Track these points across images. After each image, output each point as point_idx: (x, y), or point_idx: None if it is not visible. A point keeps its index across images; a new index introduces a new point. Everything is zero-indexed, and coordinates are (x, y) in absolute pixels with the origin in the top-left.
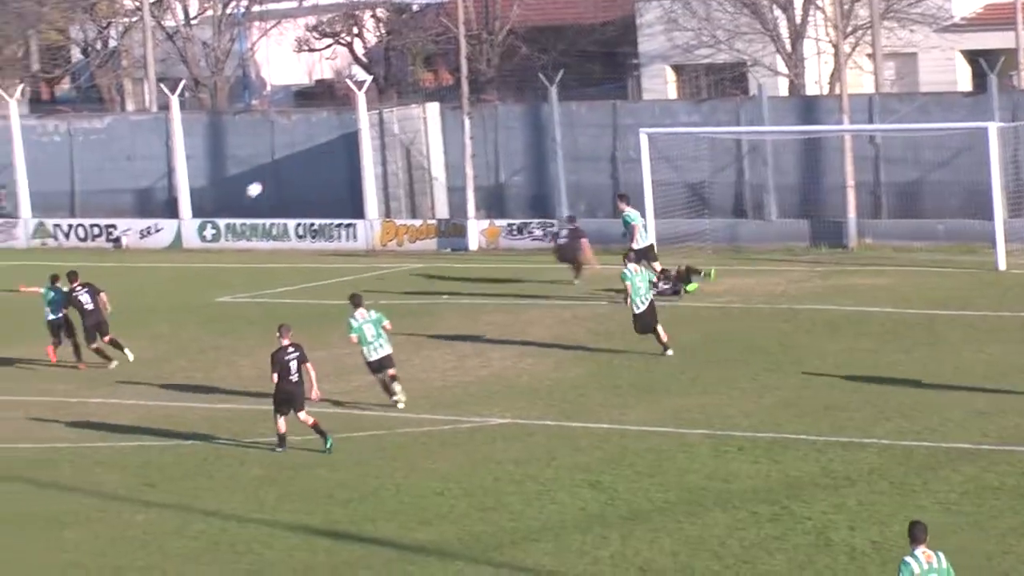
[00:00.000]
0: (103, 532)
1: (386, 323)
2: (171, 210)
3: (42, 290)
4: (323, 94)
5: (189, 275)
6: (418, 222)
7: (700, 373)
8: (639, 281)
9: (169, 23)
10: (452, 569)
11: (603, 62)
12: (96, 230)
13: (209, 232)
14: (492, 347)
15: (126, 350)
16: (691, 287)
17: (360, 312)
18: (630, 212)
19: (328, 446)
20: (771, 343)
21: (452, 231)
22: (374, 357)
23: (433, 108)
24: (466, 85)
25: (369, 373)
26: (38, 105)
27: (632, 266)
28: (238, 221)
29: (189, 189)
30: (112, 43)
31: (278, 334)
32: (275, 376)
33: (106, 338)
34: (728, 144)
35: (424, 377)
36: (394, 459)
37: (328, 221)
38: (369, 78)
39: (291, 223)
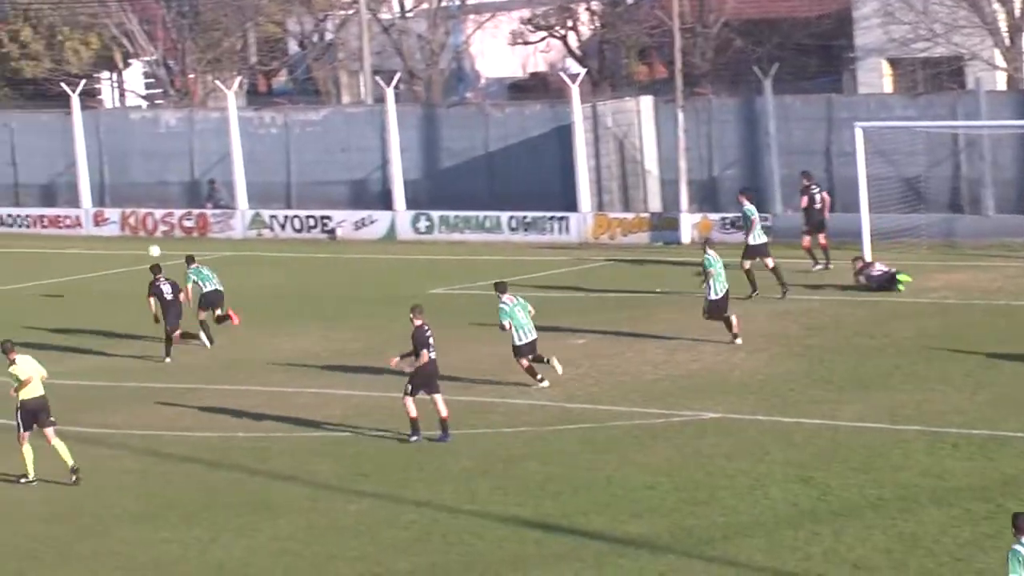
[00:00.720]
0: (316, 521)
1: (531, 308)
2: (385, 202)
3: (191, 274)
4: (537, 87)
5: (402, 267)
6: (630, 215)
7: (914, 368)
8: (720, 267)
9: (385, 16)
10: (662, 563)
11: (818, 56)
12: (311, 221)
13: (423, 224)
14: (703, 341)
15: (168, 359)
16: (903, 278)
17: (508, 297)
18: (750, 207)
19: (445, 439)
20: (987, 339)
21: (664, 224)
22: (524, 340)
23: (647, 101)
24: (680, 78)
25: (516, 357)
26: (255, 97)
27: (712, 252)
28: (452, 213)
29: (404, 181)
30: (328, 36)
31: (412, 315)
32: (426, 354)
33: (176, 333)
34: (944, 139)
35: (635, 371)
36: (605, 452)
37: (541, 214)
38: (583, 71)
39: (504, 216)
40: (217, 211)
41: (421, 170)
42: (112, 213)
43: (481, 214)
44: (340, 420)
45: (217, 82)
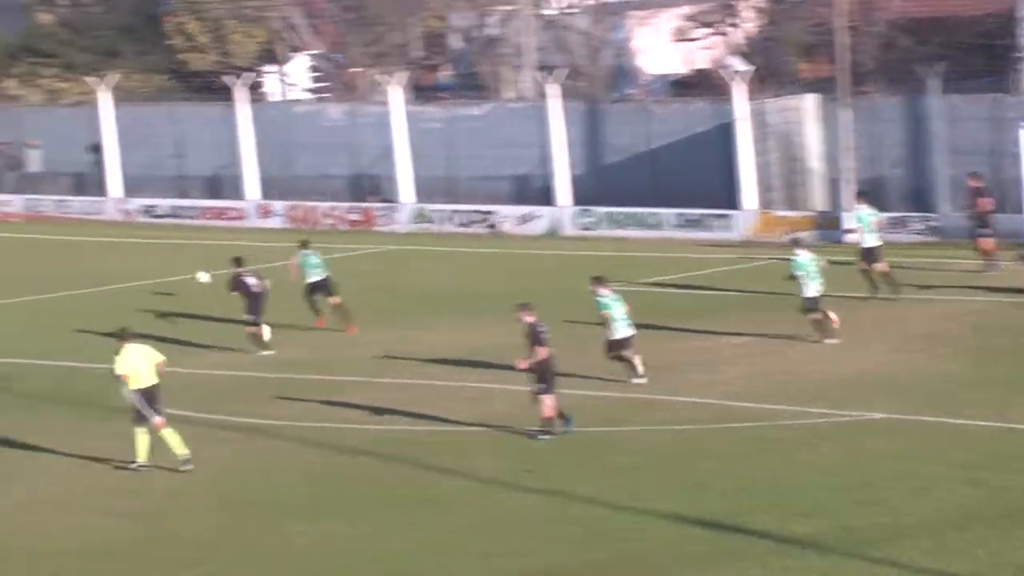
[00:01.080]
0: (481, 516)
1: (627, 306)
2: (548, 197)
3: (298, 260)
4: (700, 84)
5: (564, 263)
6: (794, 213)
7: None
8: (814, 267)
9: (548, 11)
10: (827, 563)
11: (983, 54)
12: (474, 216)
13: (585, 220)
14: (870, 341)
15: (265, 350)
16: None
17: (605, 291)
18: (864, 211)
19: (539, 437)
20: None
21: (829, 223)
22: (620, 336)
23: (811, 99)
24: (845, 76)
25: (608, 351)
26: (419, 92)
27: (803, 252)
28: (615, 209)
29: (567, 177)
30: (492, 31)
31: (521, 313)
32: (543, 349)
33: (250, 329)
34: None
35: (800, 370)
36: (770, 451)
37: (704, 211)
38: (746, 68)
39: (667, 212)
40: (381, 205)
41: (584, 166)
42: (277, 206)
43: (644, 210)
44: (505, 415)
45: (381, 76)
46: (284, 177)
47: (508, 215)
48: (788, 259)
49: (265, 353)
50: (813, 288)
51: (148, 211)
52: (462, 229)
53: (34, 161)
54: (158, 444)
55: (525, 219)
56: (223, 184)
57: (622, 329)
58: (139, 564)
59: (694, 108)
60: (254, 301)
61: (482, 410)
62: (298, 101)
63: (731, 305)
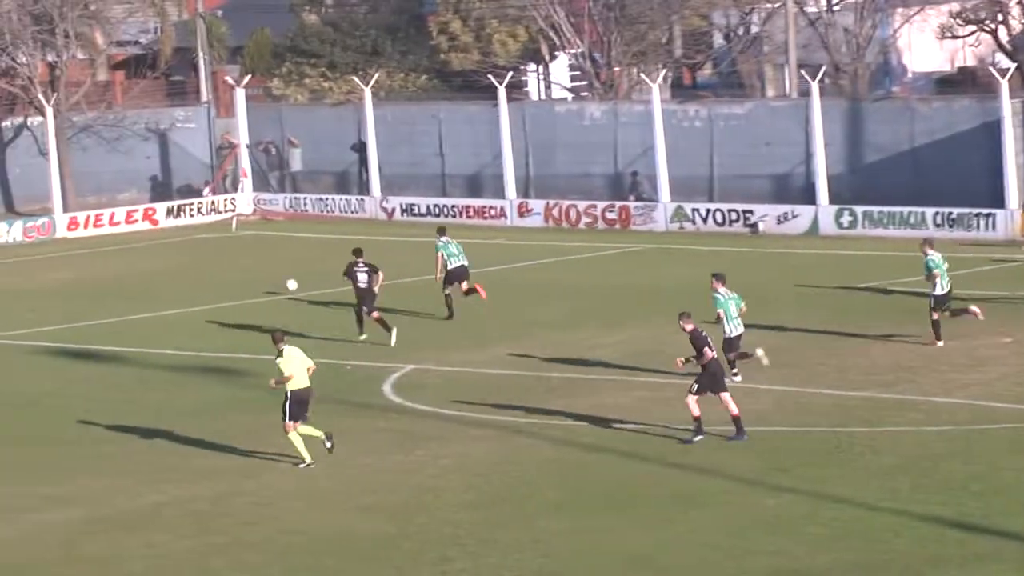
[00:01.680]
0: (733, 515)
1: (743, 306)
2: (808, 196)
3: (439, 246)
4: (964, 81)
5: (823, 262)
6: None
7: None
8: (944, 266)
9: (811, 9)
10: None
11: None
12: (733, 215)
13: (846, 219)
14: None
15: (392, 332)
16: None
17: (724, 289)
18: (933, 257)
19: (741, 437)
20: None
21: None
22: (734, 334)
23: None
24: None
25: (724, 351)
26: (679, 90)
27: (934, 252)
28: (875, 209)
29: (827, 176)
30: (754, 29)
31: (681, 322)
32: (709, 352)
33: (374, 315)
34: None
35: None
36: None
37: (967, 210)
38: (1014, 66)
39: (929, 211)
40: (639, 204)
41: (844, 165)
42: (536, 204)
43: (905, 210)
44: (760, 414)
45: (642, 75)
46: (543, 176)
47: (767, 214)
48: None
49: (362, 338)
50: (943, 285)
51: (408, 210)
52: (720, 228)
53: (296, 160)
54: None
55: (784, 218)
56: (483, 183)
57: (735, 328)
58: (390, 560)
59: (958, 106)
60: (363, 294)
61: (738, 408)
62: (559, 100)
63: (996, 304)
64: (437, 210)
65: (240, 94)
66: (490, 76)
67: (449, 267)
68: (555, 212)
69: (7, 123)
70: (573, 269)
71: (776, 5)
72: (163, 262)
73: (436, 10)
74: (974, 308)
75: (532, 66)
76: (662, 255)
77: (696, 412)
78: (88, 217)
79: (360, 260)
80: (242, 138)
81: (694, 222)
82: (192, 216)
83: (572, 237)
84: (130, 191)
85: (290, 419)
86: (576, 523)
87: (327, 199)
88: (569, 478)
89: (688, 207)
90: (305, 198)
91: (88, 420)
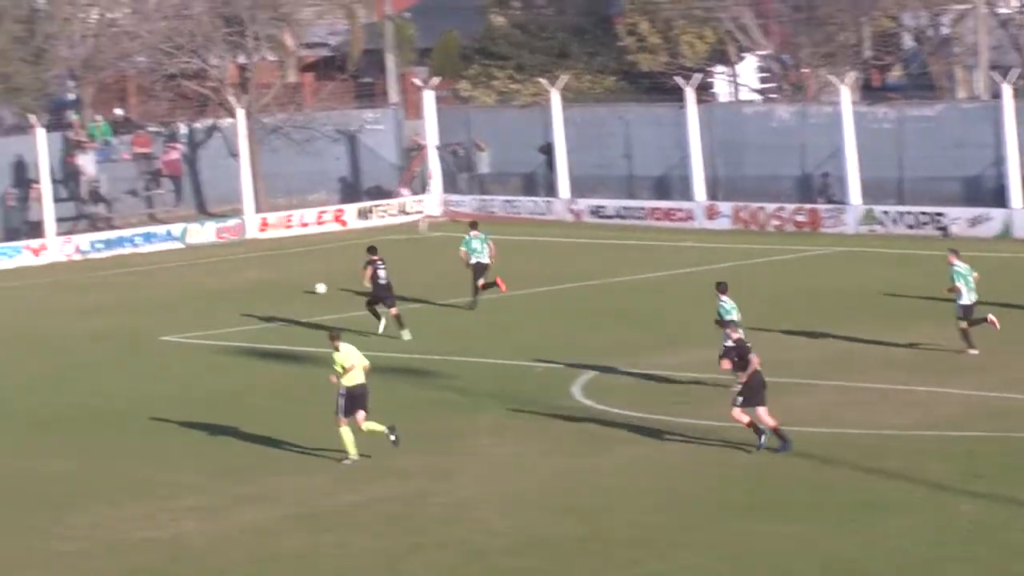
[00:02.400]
0: (928, 521)
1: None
2: (998, 199)
3: (465, 241)
4: None
5: (1016, 265)
6: None
7: None
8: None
9: (1003, 10)
10: None
11: None
12: (923, 218)
13: None
14: None
15: (404, 331)
16: None
17: (726, 298)
18: (959, 266)
19: (787, 447)
20: None
21: None
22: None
23: None
24: None
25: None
26: (868, 92)
27: (960, 263)
28: None
29: (1020, 178)
30: (945, 30)
31: (727, 331)
32: (756, 360)
33: (393, 310)
34: None
35: None
36: None
37: None
38: None
39: None
40: (829, 206)
41: None
42: (724, 207)
43: None
44: (954, 419)
45: (831, 76)
46: (732, 178)
47: (959, 217)
48: None
49: (380, 330)
50: (967, 297)
51: (596, 212)
52: (911, 231)
53: (484, 162)
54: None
55: (976, 221)
56: (671, 185)
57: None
58: (581, 561)
59: None
60: (378, 289)
61: (927, 414)
62: (747, 102)
63: None
64: (625, 212)
65: (428, 96)
66: (677, 78)
67: (470, 261)
68: (743, 214)
69: (198, 125)
70: (762, 272)
71: (967, 7)
72: (352, 263)
73: (624, 12)
74: (991, 317)
75: (720, 68)
76: (851, 258)
77: (745, 420)
78: (278, 218)
79: (377, 258)
80: (430, 140)
81: (884, 224)
82: (381, 218)
83: (760, 240)
84: (320, 192)
85: (343, 414)
86: (767, 527)
87: (515, 201)
88: (759, 482)
89: (878, 209)
90: (493, 200)
91: (279, 420)
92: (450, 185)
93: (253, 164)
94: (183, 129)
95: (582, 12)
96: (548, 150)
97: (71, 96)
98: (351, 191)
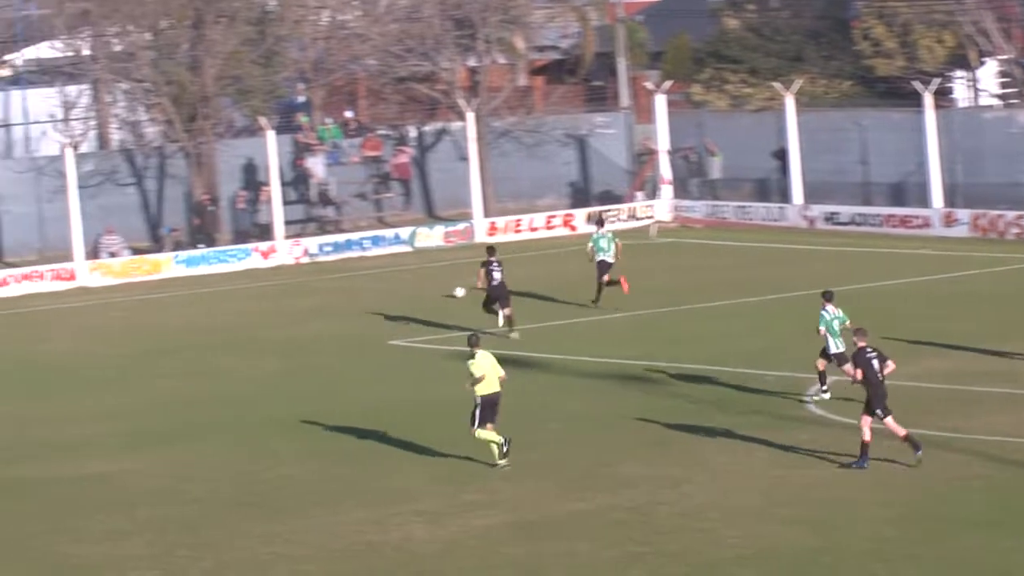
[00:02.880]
0: None
1: (847, 322)
2: None
3: (592, 239)
4: None
5: None
6: None
7: None
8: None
9: None
10: None
11: None
12: None
13: None
14: None
15: (513, 333)
16: None
17: (832, 307)
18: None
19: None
20: None
21: None
22: (838, 350)
23: None
24: None
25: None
26: None
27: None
28: None
29: None
30: None
31: (855, 339)
32: (860, 373)
33: (507, 310)
34: None
35: None
36: None
37: None
38: None
39: None
40: None
41: None
42: (962, 214)
43: None
44: None
45: None
46: (970, 185)
47: None
48: None
49: (514, 336)
50: (834, 345)
51: (830, 218)
52: None
53: (716, 167)
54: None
55: None
56: (907, 191)
57: (838, 346)
58: (814, 573)
59: None
60: (492, 289)
61: None
62: (986, 107)
63: None
64: (859, 219)
65: (660, 100)
66: (915, 82)
67: (597, 259)
68: (982, 222)
69: (428, 128)
70: (1002, 281)
71: None
72: (581, 268)
73: (860, 15)
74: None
75: (959, 72)
76: None
77: (868, 438)
78: (507, 222)
79: (493, 259)
80: (661, 144)
81: None
82: (612, 222)
83: (1000, 248)
84: (549, 197)
85: (479, 424)
86: (1005, 543)
87: (747, 207)
88: (996, 496)
89: None
90: (725, 205)
91: (507, 426)
92: (681, 190)
93: (482, 168)
94: (412, 132)
95: (818, 15)
96: (782, 155)
97: (301, 99)
98: (581, 195)
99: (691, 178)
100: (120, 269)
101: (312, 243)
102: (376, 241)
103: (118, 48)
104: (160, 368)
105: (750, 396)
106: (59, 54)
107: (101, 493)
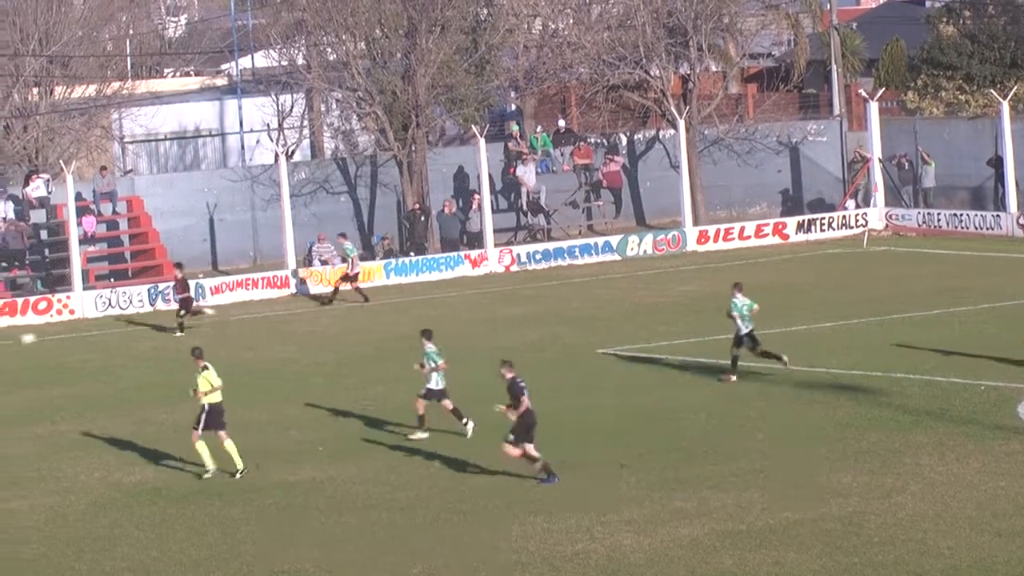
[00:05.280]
0: None
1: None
2: None
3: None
4: None
5: None
6: None
7: None
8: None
9: None
10: None
11: None
12: None
13: None
14: None
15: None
16: None
17: (740, 295)
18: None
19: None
20: None
21: None
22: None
23: None
24: None
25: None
26: None
27: (741, 296)
28: None
29: None
30: None
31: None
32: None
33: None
34: None
35: None
36: None
37: None
38: None
39: None
40: None
41: None
42: None
43: None
44: None
45: None
46: None
47: None
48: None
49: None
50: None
51: None
52: None
53: (929, 176)
54: None
55: None
56: None
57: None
58: None
59: None
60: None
61: None
62: None
63: None
64: None
65: (872, 107)
66: None
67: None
68: None
69: (639, 136)
70: None
71: None
72: (792, 277)
73: None
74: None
75: None
76: None
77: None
78: (718, 231)
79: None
80: (874, 152)
81: None
82: (823, 231)
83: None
84: (760, 205)
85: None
86: None
87: (961, 215)
88: None
89: None
90: (939, 214)
91: (715, 436)
92: (894, 199)
93: (693, 176)
94: (623, 140)
95: None
96: (997, 163)
97: (512, 107)
98: (792, 204)
99: (904, 186)
100: (331, 277)
101: (522, 251)
102: (586, 250)
103: (332, 57)
104: (369, 375)
105: (963, 405)
106: (273, 63)
107: (312, 499)
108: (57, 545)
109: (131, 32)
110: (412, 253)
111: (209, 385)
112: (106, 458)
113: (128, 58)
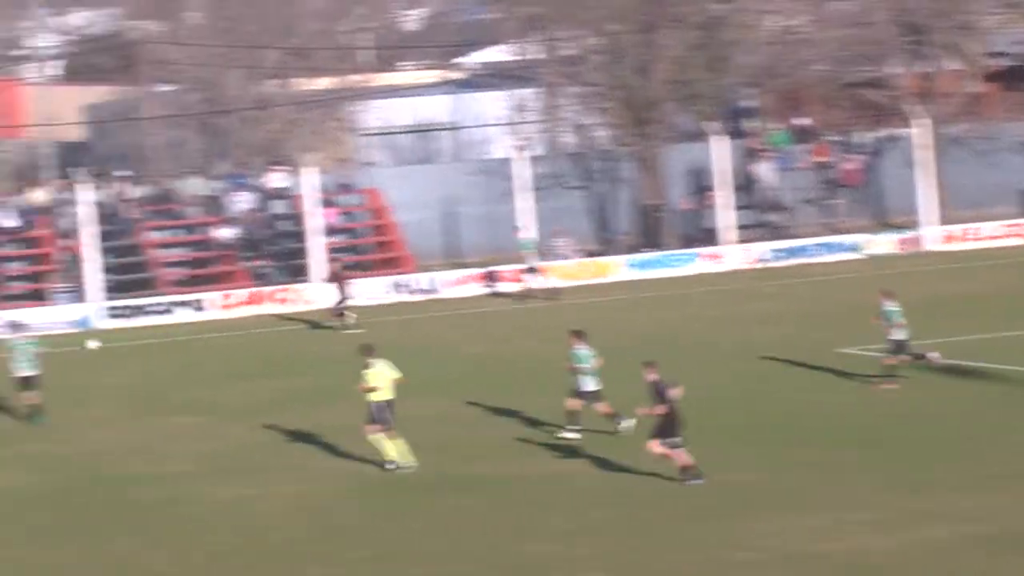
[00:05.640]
0: None
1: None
2: None
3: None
4: None
5: None
6: None
7: None
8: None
9: None
10: None
11: None
12: None
13: None
14: None
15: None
16: None
17: (581, 344)
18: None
19: None
20: None
21: None
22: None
23: None
24: None
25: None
26: None
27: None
28: None
29: None
30: None
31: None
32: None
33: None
34: None
35: None
36: None
37: None
38: None
39: None
40: None
41: None
42: None
43: None
44: None
45: None
46: None
47: None
48: None
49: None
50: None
51: None
52: None
53: None
54: None
55: None
56: None
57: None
58: None
59: None
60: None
61: None
62: None
63: None
64: None
65: None
66: None
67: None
68: None
69: (877, 134)
70: None
71: None
72: None
73: None
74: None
75: None
76: None
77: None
78: (960, 231)
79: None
80: None
81: None
82: None
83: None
84: (1001, 205)
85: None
86: None
87: None
88: None
89: None
90: None
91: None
92: None
93: (934, 175)
94: (861, 138)
95: None
96: None
97: (748, 104)
98: None
99: None
100: (570, 271)
101: (763, 248)
102: (826, 247)
103: (568, 52)
104: (606, 370)
105: None
106: (509, 57)
107: (557, 493)
108: (301, 532)
109: (368, 25)
110: (649, 248)
111: (376, 381)
112: (347, 448)
113: (366, 51)
